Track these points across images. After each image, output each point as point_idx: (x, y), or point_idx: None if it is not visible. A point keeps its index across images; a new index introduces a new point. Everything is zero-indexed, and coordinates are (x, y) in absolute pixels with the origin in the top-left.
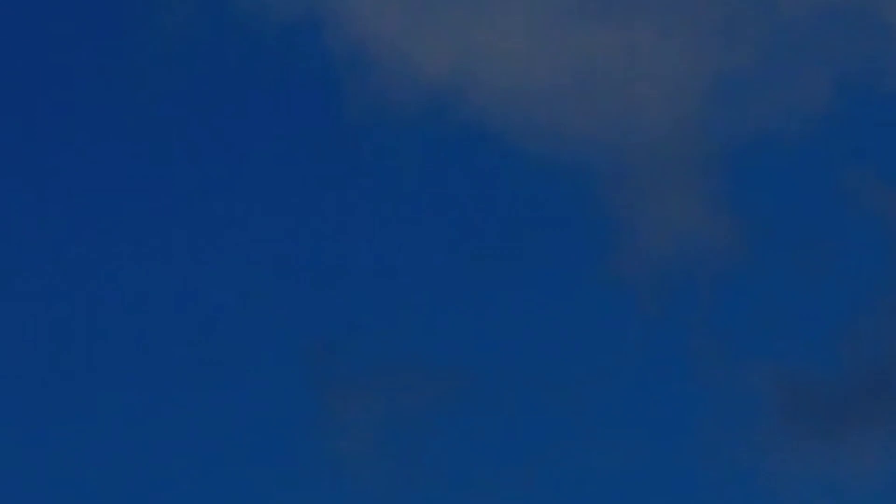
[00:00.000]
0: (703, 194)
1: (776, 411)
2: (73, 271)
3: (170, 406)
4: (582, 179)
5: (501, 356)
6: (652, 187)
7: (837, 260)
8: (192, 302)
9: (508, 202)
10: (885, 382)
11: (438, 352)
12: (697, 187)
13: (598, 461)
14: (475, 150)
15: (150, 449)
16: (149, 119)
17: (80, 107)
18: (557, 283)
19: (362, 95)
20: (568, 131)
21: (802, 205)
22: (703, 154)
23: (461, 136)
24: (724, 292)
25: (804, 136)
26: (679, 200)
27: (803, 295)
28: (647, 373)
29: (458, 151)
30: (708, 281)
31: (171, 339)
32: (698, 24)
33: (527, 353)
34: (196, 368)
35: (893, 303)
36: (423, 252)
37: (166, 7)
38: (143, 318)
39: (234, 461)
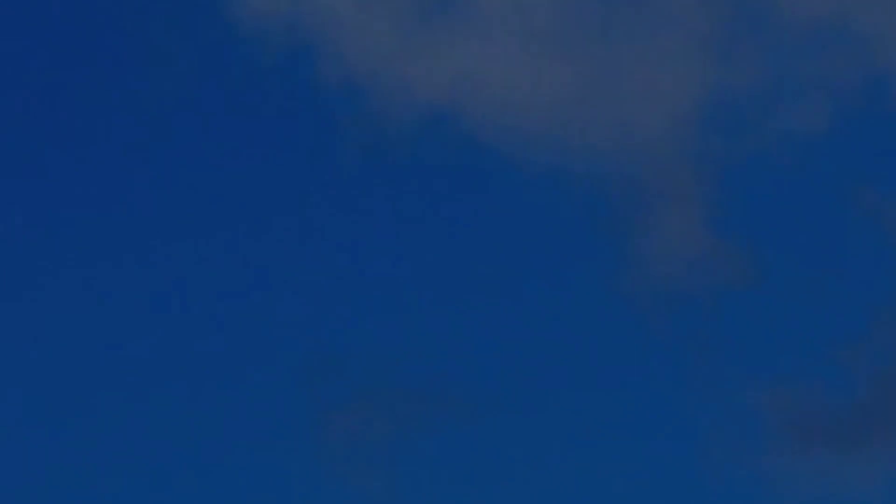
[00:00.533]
0: (707, 211)
1: (781, 427)
2: (77, 287)
3: (167, 417)
4: (583, 196)
5: (504, 370)
6: (655, 204)
7: (842, 277)
8: (192, 320)
9: (508, 217)
10: (889, 399)
11: (441, 368)
12: (701, 204)
13: (599, 472)
14: (471, 167)
15: (149, 458)
16: (152, 143)
17: (84, 138)
18: (559, 299)
19: (360, 117)
20: (566, 147)
21: (807, 221)
22: (706, 171)
23: (457, 155)
24: (728, 309)
25: (805, 154)
26: (682, 217)
27: (807, 312)
28: (647, 388)
29: (455, 169)
30: (712, 298)
31: (170, 354)
32: (696, 43)
33: (528, 367)
34: (195, 382)
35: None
36: (424, 268)
37: (165, 40)
38: (142, 330)
39: (232, 473)
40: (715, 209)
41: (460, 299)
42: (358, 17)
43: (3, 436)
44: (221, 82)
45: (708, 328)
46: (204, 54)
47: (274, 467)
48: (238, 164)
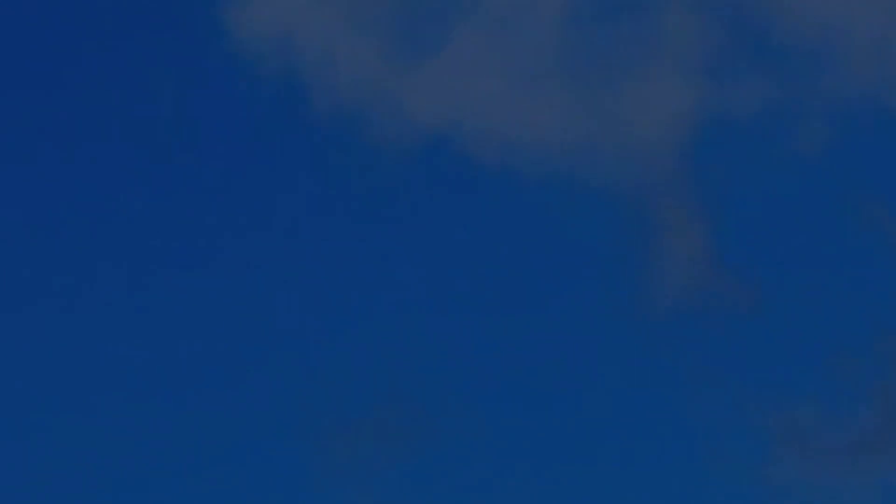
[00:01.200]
0: (708, 230)
1: (784, 443)
2: (77, 299)
3: (167, 430)
4: (582, 214)
5: (504, 382)
6: (655, 223)
7: (844, 294)
8: (191, 339)
9: (507, 235)
10: (891, 415)
11: (441, 381)
12: (702, 223)
13: (601, 485)
14: (468, 185)
15: (147, 470)
16: (149, 161)
17: (80, 153)
18: (558, 316)
19: (355, 139)
20: (564, 166)
21: (808, 239)
22: (707, 191)
23: (454, 174)
24: (731, 328)
25: (806, 173)
26: (683, 236)
27: (809, 330)
28: (650, 404)
29: (452, 187)
30: (714, 316)
31: (170, 374)
32: (695, 64)
33: (529, 382)
34: (195, 396)
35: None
36: (424, 283)
37: (164, 61)
38: (143, 356)
39: (232, 483)
40: (716, 228)
41: (460, 314)
42: (351, 39)
43: (4, 436)
44: (218, 103)
45: (710, 346)
46: (201, 77)
47: (273, 479)
48: (237, 190)
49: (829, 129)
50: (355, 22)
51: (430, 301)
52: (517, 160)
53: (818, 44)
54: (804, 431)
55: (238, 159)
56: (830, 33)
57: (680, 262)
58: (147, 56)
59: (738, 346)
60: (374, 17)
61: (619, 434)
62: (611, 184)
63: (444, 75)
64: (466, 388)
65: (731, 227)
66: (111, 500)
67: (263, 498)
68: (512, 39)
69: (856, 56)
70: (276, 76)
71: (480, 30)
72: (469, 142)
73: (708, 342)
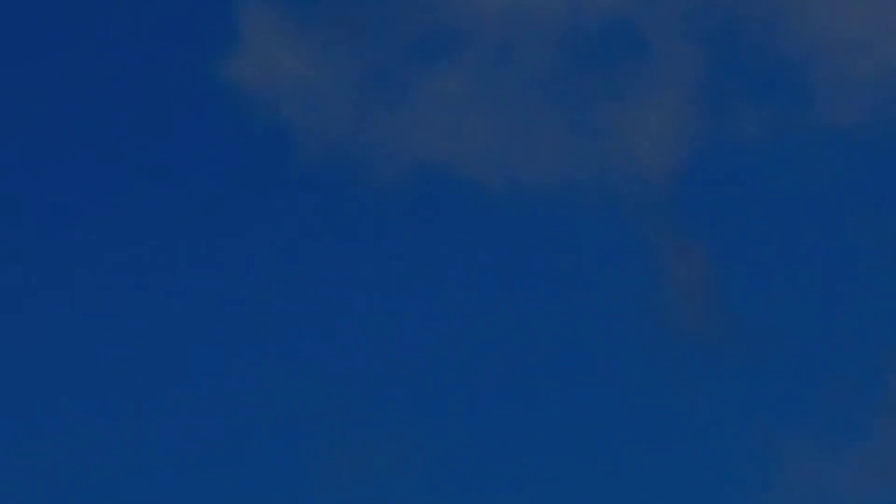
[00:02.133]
0: (705, 258)
1: (790, 472)
2: (84, 314)
3: (167, 437)
4: (584, 245)
5: (510, 396)
6: (650, 255)
7: (846, 321)
8: (198, 374)
9: (506, 261)
10: None
11: (446, 392)
12: (697, 253)
13: (622, 491)
14: (463, 214)
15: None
16: (145, 202)
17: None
18: (559, 339)
19: (347, 177)
20: (555, 194)
21: (810, 267)
22: (704, 219)
23: (447, 201)
24: (729, 355)
25: (805, 201)
26: (679, 263)
27: (809, 356)
28: (647, 436)
29: (445, 217)
30: (717, 349)
31: (176, 398)
32: (691, 94)
33: (529, 401)
34: (199, 414)
35: None
36: (425, 302)
37: (159, 104)
38: (143, 356)
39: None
40: (715, 255)
41: (458, 323)
42: (339, 74)
43: (4, 436)
44: (207, 143)
45: (709, 372)
46: (193, 116)
47: (273, 481)
48: (236, 223)
49: (829, 157)
50: (343, 56)
51: (430, 312)
52: (512, 188)
53: (817, 71)
54: (806, 458)
55: (227, 194)
56: (829, 61)
57: (678, 289)
58: (134, 101)
59: (735, 371)
60: (363, 50)
61: (613, 464)
62: (608, 211)
63: (438, 103)
64: (467, 396)
65: (730, 256)
66: (111, 500)
67: (264, 499)
68: (506, 69)
69: (855, 83)
70: (264, 116)
71: (476, 56)
72: (462, 171)
73: (707, 368)
